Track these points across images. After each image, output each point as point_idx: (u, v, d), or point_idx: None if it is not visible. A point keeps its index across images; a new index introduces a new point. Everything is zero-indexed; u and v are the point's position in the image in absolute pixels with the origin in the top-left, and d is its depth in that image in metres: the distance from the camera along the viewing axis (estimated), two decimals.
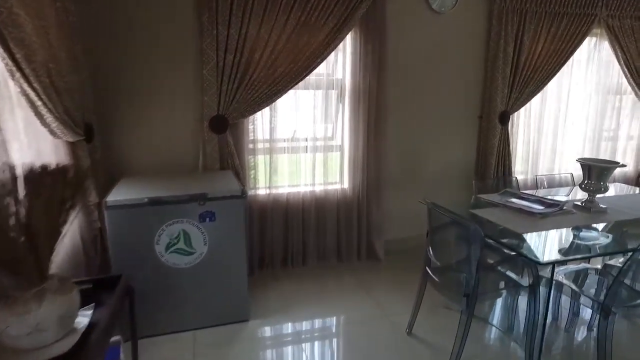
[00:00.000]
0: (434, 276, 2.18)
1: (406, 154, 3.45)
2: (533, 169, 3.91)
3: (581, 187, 2.34)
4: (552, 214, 2.18)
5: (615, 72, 4.01)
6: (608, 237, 1.99)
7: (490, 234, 1.96)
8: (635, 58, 3.90)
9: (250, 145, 3.00)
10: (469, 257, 1.96)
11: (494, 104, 3.45)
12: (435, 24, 3.28)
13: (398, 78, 3.26)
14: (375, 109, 3.14)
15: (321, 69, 3.03)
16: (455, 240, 2.09)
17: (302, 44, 2.81)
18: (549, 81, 3.56)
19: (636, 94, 4.11)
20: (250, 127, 2.97)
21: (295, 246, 3.18)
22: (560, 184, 3.00)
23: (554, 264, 1.76)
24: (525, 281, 2.13)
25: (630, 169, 4.46)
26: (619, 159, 4.37)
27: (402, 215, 3.54)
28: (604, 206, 2.31)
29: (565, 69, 3.63)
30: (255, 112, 2.87)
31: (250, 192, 3.03)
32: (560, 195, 2.81)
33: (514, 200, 2.40)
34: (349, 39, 3.06)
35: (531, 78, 3.48)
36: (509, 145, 3.61)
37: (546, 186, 2.94)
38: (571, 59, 3.61)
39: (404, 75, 3.28)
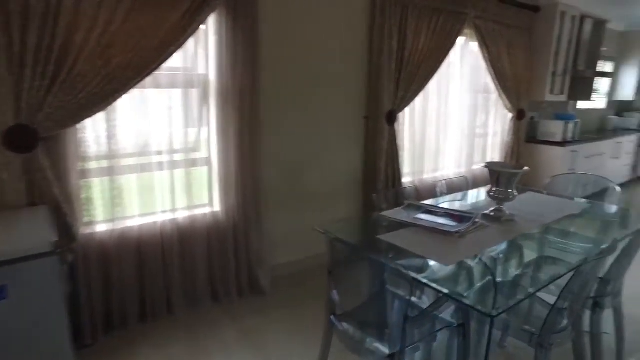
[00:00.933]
0: (341, 327, 1.70)
1: (288, 163, 2.94)
2: (419, 170, 3.76)
3: (490, 195, 2.11)
4: (468, 230, 1.89)
5: (483, 72, 4.10)
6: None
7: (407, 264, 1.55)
8: (497, 59, 4.03)
9: (80, 166, 2.15)
10: (383, 302, 1.53)
11: (380, 103, 3.16)
12: (317, 12, 2.82)
13: (275, 74, 2.72)
14: (249, 112, 2.55)
15: (177, 61, 2.33)
16: (371, 281, 1.63)
17: (147, 26, 2.07)
18: (431, 78, 3.41)
19: (499, 93, 4.29)
20: (79, 140, 2.12)
21: (155, 293, 2.42)
22: (456, 189, 2.81)
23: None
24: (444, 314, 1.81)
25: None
26: (488, 155, 4.54)
27: (288, 237, 3.03)
28: (510, 213, 2.11)
29: (442, 67, 3.53)
30: (82, 119, 2.04)
31: (85, 232, 2.17)
32: (457, 201, 2.61)
33: (422, 216, 2.06)
34: (212, 23, 2.41)
35: (416, 75, 3.28)
36: (397, 147, 3.37)
37: (445, 192, 2.71)
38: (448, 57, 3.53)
39: (281, 71, 2.76)
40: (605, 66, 6.20)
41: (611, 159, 5.92)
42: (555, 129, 4.86)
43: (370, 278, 1.80)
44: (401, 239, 1.80)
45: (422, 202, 2.43)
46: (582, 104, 5.98)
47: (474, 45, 3.90)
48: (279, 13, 2.66)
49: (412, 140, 3.63)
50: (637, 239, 1.92)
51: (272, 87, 2.72)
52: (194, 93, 2.48)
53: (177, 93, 2.41)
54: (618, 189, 2.59)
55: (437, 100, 3.74)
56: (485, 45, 3.85)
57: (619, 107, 7.15)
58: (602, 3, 5.02)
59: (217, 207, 2.63)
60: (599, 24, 5.24)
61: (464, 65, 3.95)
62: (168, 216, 2.42)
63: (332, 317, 1.74)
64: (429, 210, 2.15)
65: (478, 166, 4.43)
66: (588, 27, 5.06)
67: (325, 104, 3.02)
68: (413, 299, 1.90)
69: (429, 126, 3.73)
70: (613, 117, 6.92)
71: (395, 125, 3.32)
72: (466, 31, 3.68)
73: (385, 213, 2.16)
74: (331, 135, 3.11)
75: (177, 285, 2.47)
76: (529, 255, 1.94)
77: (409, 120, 3.54)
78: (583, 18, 4.91)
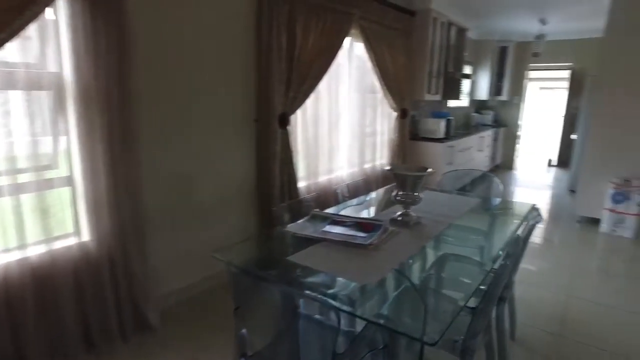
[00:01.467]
0: None
1: (172, 176, 2.55)
2: (314, 173, 3.64)
3: (396, 200, 2.04)
4: (381, 240, 1.78)
5: (369, 72, 4.16)
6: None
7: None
8: (381, 60, 4.11)
9: None
10: (298, 335, 1.32)
11: (271, 105, 2.94)
12: (198, 4, 2.48)
13: (150, 74, 2.32)
14: (120, 118, 2.12)
15: (14, 55, 1.81)
16: (286, 314, 1.41)
17: None
18: (322, 78, 3.29)
19: (384, 93, 4.40)
20: None
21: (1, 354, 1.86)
22: (357, 191, 2.74)
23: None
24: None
25: (384, 161, 4.81)
26: (378, 153, 4.64)
27: (179, 259, 2.64)
28: (417, 216, 2.08)
29: (332, 67, 3.45)
30: None
31: None
32: (359, 205, 2.53)
33: (330, 229, 1.90)
34: (63, 8, 1.93)
35: (307, 75, 3.13)
36: (290, 151, 3.19)
37: (347, 195, 2.61)
38: (337, 57, 3.46)
39: (158, 71, 2.37)
40: (467, 69, 6.89)
41: (477, 152, 6.60)
42: (434, 126, 5.20)
43: (282, 305, 1.58)
44: (313, 259, 1.61)
45: (327, 210, 2.29)
46: (452, 103, 6.55)
47: (360, 46, 3.93)
48: (152, 5, 2.26)
49: (305, 143, 3.49)
50: (531, 229, 2.03)
51: (147, 89, 2.31)
52: (44, 97, 1.96)
53: (16, 97, 1.87)
54: (501, 185, 2.78)
55: (327, 101, 3.66)
56: (370, 45, 3.89)
57: (478, 105, 8.05)
58: (462, 13, 5.54)
59: (85, 236, 2.14)
60: (461, 31, 5.77)
61: (352, 65, 3.94)
62: (15, 256, 1.88)
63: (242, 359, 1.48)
64: (336, 221, 2.01)
65: (369, 165, 4.51)
66: (453, 33, 5.53)
67: (211, 108, 2.69)
68: (319, 317, 1.73)
69: (321, 127, 3.63)
70: (474, 114, 7.76)
71: (288, 128, 3.13)
72: (352, 31, 3.67)
73: (289, 227, 1.95)
74: (220, 142, 2.79)
75: (34, 343, 1.94)
76: (436, 256, 1.92)
77: (301, 123, 3.39)
78: (450, 25, 5.34)
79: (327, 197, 3.50)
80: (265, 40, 2.81)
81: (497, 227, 2.38)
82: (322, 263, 1.57)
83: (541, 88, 11.46)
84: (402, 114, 4.74)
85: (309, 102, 3.36)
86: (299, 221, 2.04)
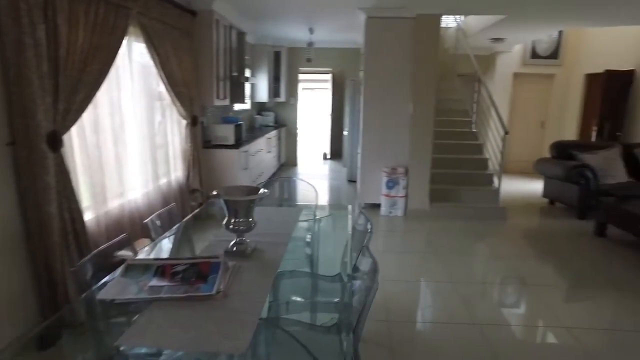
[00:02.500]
0: None
1: None
2: (101, 200, 2.94)
3: (229, 229, 1.78)
4: (226, 282, 1.50)
5: (155, 77, 3.64)
6: None
7: None
8: (166, 62, 3.67)
9: None
10: None
11: (34, 121, 2.18)
12: None
13: None
14: None
15: None
16: None
17: None
18: (101, 84, 2.65)
19: (172, 99, 3.96)
20: None
21: None
22: (168, 220, 2.31)
23: None
24: None
25: (179, 174, 4.37)
26: (172, 165, 4.16)
27: None
28: (251, 241, 1.87)
29: (111, 72, 2.83)
30: None
31: None
32: (175, 237, 2.16)
33: (158, 283, 1.50)
34: None
35: (79, 80, 2.45)
36: (70, 180, 2.47)
37: (160, 226, 2.17)
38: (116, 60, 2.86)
39: None
40: (247, 72, 6.96)
41: (266, 153, 6.78)
42: (226, 132, 5.00)
43: None
44: (154, 335, 1.21)
45: (141, 253, 1.85)
46: (237, 106, 6.51)
47: (142, 47, 3.39)
48: None
49: (87, 166, 2.78)
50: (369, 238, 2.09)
51: None
52: None
53: None
54: (315, 190, 2.84)
55: (110, 112, 3.00)
56: (153, 46, 3.40)
57: (259, 108, 8.30)
58: (240, 17, 5.53)
59: None
60: (241, 35, 5.75)
61: (134, 69, 3.36)
62: None
63: None
64: (161, 267, 1.61)
65: (164, 180, 4.00)
66: (234, 36, 5.45)
67: None
68: None
69: (105, 144, 2.96)
70: (257, 116, 7.96)
71: (62, 150, 2.41)
72: (131, 29, 3.10)
73: (102, 294, 1.45)
74: None
75: None
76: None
77: (79, 141, 2.67)
78: (231, 28, 5.22)
79: (123, 228, 2.91)
80: (11, 31, 2.04)
81: (329, 236, 2.40)
82: (169, 338, 1.19)
83: (304, 89, 12.81)
84: (193, 122, 4.38)
85: (87, 115, 2.67)
86: (109, 278, 1.56)
